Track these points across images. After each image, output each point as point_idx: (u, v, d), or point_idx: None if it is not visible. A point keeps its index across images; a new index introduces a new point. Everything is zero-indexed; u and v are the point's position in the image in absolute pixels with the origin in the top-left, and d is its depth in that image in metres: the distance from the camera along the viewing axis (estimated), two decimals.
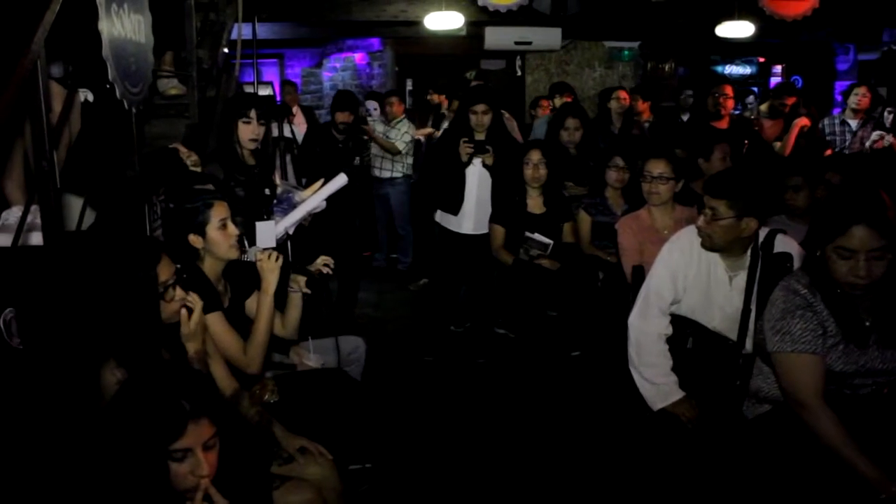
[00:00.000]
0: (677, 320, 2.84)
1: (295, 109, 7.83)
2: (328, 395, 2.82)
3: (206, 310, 2.49)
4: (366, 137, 6.28)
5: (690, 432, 2.71)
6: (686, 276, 2.80)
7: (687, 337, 2.83)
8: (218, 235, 2.55)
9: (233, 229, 2.59)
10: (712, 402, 2.72)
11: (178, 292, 2.16)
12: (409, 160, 6.70)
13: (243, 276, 2.76)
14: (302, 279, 2.87)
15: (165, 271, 2.11)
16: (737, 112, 6.86)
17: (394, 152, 6.55)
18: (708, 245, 2.70)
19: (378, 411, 3.36)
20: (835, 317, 2.24)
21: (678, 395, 2.75)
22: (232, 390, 2.42)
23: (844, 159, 5.42)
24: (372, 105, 7.18)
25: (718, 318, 2.77)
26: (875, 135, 5.51)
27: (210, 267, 2.60)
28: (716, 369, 2.73)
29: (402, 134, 6.58)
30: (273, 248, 2.77)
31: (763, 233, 2.71)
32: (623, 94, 5.98)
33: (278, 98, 7.67)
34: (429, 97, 7.41)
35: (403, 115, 6.69)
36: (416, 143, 6.79)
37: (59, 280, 2.00)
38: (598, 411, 3.65)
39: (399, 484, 3.15)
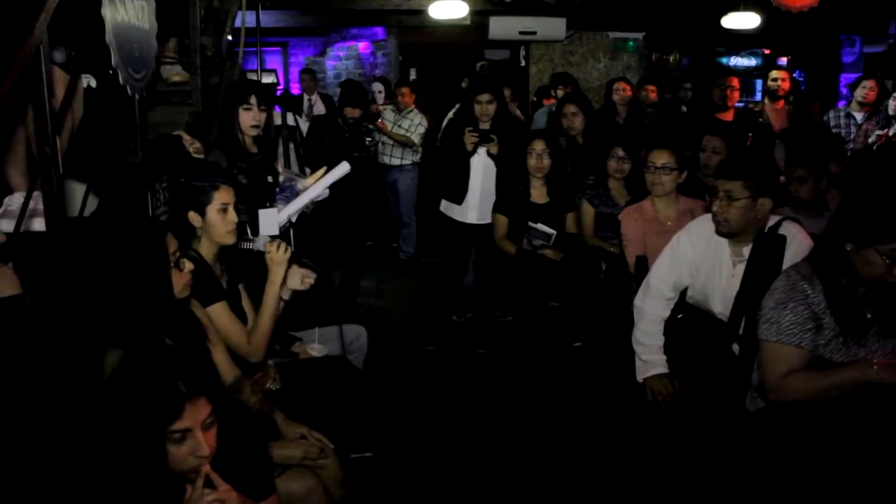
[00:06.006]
0: (677, 304, 2.94)
1: (314, 97, 7.84)
2: (330, 384, 2.82)
3: (211, 299, 2.50)
4: (371, 127, 6.26)
5: (679, 419, 2.77)
6: (696, 266, 2.85)
7: (678, 317, 2.92)
8: (216, 218, 2.56)
9: (232, 216, 2.58)
10: (710, 389, 2.73)
11: (188, 264, 2.17)
12: (419, 147, 6.71)
13: (241, 261, 2.76)
14: (299, 275, 2.86)
15: (172, 244, 2.13)
16: (741, 105, 6.83)
17: (410, 145, 6.56)
18: (725, 230, 2.71)
19: (379, 400, 3.37)
20: (833, 309, 2.24)
21: (658, 370, 2.88)
22: (233, 377, 2.42)
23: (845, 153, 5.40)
24: (377, 87, 7.16)
25: (721, 305, 2.79)
26: (875, 135, 5.51)
27: (206, 249, 2.60)
28: (706, 351, 2.77)
29: (416, 126, 6.57)
30: (276, 237, 2.77)
31: (773, 221, 2.72)
32: (624, 86, 5.97)
33: (281, 86, 7.66)
34: (463, 84, 7.28)
35: (414, 106, 6.68)
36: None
37: (62, 265, 2.00)
38: (599, 402, 3.65)
39: (400, 473, 3.15)
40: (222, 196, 2.57)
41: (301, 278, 2.84)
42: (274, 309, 2.62)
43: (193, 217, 2.56)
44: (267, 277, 2.64)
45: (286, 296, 2.85)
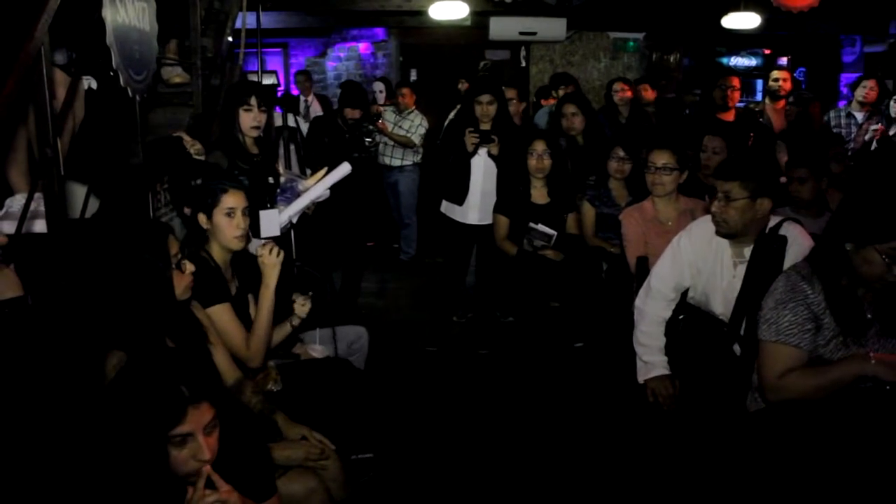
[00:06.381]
0: (678, 304, 2.94)
1: (311, 98, 7.83)
2: (331, 385, 2.82)
3: (213, 301, 2.50)
4: (370, 128, 6.26)
5: (682, 420, 2.77)
6: (697, 267, 2.85)
7: (679, 318, 2.92)
8: (223, 221, 2.57)
9: (240, 220, 2.59)
10: (711, 390, 2.73)
11: (189, 265, 2.17)
12: (419, 148, 6.71)
13: (251, 267, 2.76)
14: (302, 304, 2.89)
15: (173, 245, 2.13)
16: (742, 105, 6.82)
17: (410, 146, 6.56)
18: (724, 230, 2.71)
19: (381, 401, 3.37)
20: (833, 309, 2.24)
21: (659, 371, 2.89)
22: (235, 378, 2.42)
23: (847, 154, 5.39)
24: (378, 87, 7.16)
25: (722, 306, 2.79)
26: (871, 131, 5.50)
27: (218, 253, 2.61)
28: (707, 351, 2.78)
29: (417, 126, 6.58)
30: (273, 239, 2.77)
31: (774, 222, 2.72)
32: (623, 86, 5.97)
33: (282, 87, 7.66)
34: (459, 86, 7.25)
35: (414, 107, 6.68)
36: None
37: (64, 267, 2.01)
38: (600, 403, 3.65)
39: (401, 474, 3.15)
40: (229, 200, 2.57)
41: (302, 305, 2.89)
42: (270, 313, 2.62)
43: (202, 219, 2.58)
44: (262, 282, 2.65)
45: (296, 322, 2.89)
